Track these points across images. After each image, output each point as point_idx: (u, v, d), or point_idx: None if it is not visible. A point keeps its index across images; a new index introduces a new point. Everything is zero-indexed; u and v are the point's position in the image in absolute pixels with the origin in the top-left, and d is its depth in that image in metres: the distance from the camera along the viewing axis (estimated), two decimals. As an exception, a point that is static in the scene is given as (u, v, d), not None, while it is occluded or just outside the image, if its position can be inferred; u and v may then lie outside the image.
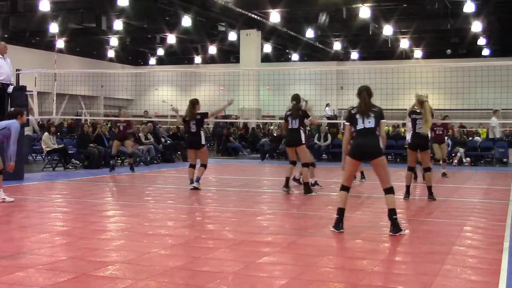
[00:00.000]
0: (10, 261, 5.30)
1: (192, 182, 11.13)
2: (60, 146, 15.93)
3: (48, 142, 15.58)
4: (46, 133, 16.15)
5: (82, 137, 16.46)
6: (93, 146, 16.22)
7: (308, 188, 10.65)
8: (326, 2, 23.56)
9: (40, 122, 26.34)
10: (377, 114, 6.94)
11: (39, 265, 5.23)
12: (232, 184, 12.71)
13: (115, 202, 9.94)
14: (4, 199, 8.85)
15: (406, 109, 10.69)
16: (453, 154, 20.24)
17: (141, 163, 17.39)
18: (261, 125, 28.89)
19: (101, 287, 4.58)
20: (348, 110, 7.23)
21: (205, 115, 11.32)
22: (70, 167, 15.71)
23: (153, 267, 5.15)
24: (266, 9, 25.09)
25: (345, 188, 7.02)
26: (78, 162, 16.11)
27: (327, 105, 28.33)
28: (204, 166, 11.22)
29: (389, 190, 6.92)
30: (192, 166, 11.25)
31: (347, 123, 7.09)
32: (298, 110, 10.53)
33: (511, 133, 29.56)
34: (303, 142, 10.65)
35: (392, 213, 6.84)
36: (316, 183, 11.85)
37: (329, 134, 21.19)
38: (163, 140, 19.98)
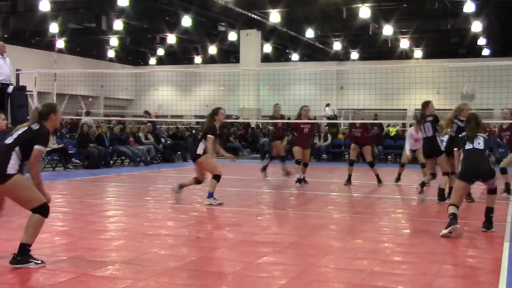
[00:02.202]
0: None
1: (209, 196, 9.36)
2: (60, 146, 15.92)
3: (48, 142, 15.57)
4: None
5: (82, 137, 16.46)
6: (93, 146, 16.22)
7: (442, 196, 9.85)
8: (326, 2, 23.55)
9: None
10: (486, 141, 7.08)
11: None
12: (232, 184, 12.70)
13: (115, 202, 9.94)
14: None
15: (406, 109, 10.74)
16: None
17: (141, 163, 17.40)
18: (260, 125, 28.89)
19: (101, 287, 4.58)
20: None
21: (212, 131, 9.08)
22: (70, 167, 15.71)
23: (153, 267, 5.15)
24: (266, 9, 25.07)
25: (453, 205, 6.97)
26: (78, 162, 16.11)
27: (327, 105, 28.30)
28: (214, 177, 9.16)
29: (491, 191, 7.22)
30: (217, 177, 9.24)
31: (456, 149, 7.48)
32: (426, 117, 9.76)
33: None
34: (442, 150, 9.91)
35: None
36: (303, 180, 11.79)
37: (329, 134, 21.20)
38: (163, 140, 19.99)
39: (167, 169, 16.57)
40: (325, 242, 6.54)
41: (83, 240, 6.30)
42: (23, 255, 5.07)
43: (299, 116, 12.46)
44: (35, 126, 5.21)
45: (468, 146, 6.97)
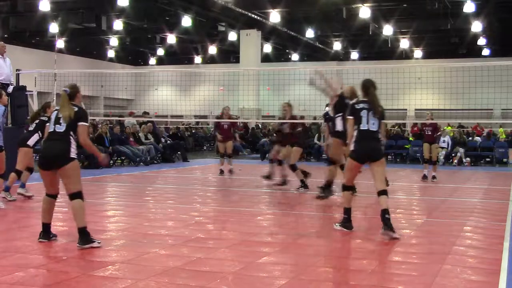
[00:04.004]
0: (10, 261, 5.31)
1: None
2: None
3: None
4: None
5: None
6: (93, 146, 16.20)
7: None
8: (326, 2, 23.54)
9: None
10: (381, 115, 6.84)
11: (39, 265, 5.23)
12: (232, 184, 12.71)
13: (115, 202, 9.94)
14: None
15: (406, 109, 10.64)
16: (453, 154, 20.27)
17: (141, 163, 17.40)
18: (260, 125, 28.89)
19: (101, 287, 4.58)
20: (352, 103, 7.11)
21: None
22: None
23: (153, 267, 5.15)
24: (266, 9, 25.06)
25: (348, 188, 7.02)
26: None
27: (327, 105, 28.26)
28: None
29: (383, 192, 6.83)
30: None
31: (351, 117, 6.89)
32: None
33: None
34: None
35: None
36: (223, 171, 13.51)
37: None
38: (163, 140, 19.99)
39: (167, 169, 16.57)
40: (325, 242, 6.54)
41: (83, 240, 6.29)
42: (86, 236, 5.87)
43: (221, 115, 14.63)
44: (75, 109, 5.99)
45: (363, 126, 6.73)
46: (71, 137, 5.95)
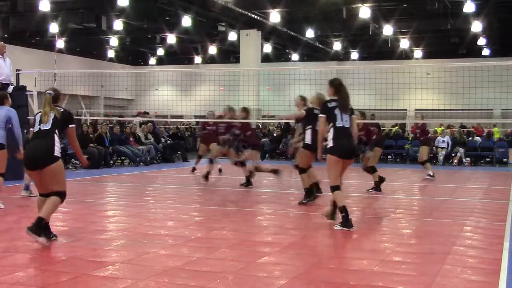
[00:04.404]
0: (10, 261, 5.31)
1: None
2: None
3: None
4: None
5: (82, 137, 16.45)
6: (93, 146, 16.21)
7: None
8: (326, 2, 23.53)
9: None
10: (351, 111, 7.24)
11: (39, 265, 5.23)
12: (232, 184, 12.71)
13: (115, 202, 9.94)
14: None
15: (406, 109, 10.67)
16: (453, 154, 20.28)
17: (141, 163, 17.41)
18: (260, 125, 28.88)
19: (101, 287, 4.58)
20: (324, 102, 7.35)
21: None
22: (70, 167, 15.71)
23: (153, 267, 5.15)
24: (266, 9, 25.04)
25: (337, 188, 7.07)
26: (78, 162, 16.10)
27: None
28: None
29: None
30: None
31: (323, 115, 7.17)
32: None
33: None
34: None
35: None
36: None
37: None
38: (163, 140, 20.00)
39: (167, 169, 16.57)
40: (325, 242, 6.54)
41: (83, 240, 6.30)
42: (40, 227, 5.77)
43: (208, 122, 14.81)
44: (60, 110, 6.17)
45: (338, 123, 7.03)
46: (55, 135, 6.01)
